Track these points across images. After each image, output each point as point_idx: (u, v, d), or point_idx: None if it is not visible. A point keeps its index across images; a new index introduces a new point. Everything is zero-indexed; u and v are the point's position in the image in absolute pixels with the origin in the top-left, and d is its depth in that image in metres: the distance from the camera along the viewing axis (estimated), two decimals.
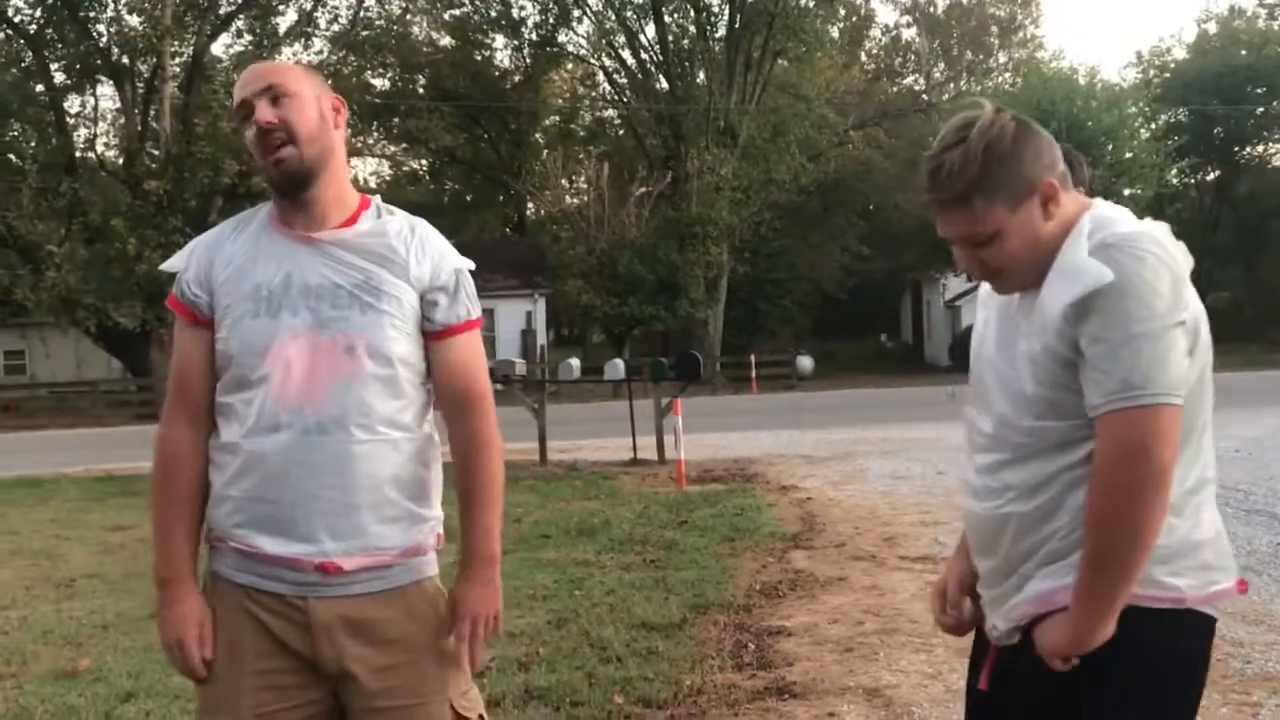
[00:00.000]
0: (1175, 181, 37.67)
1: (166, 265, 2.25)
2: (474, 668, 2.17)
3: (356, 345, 2.09)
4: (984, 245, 1.86)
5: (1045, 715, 1.90)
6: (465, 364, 2.19)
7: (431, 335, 2.17)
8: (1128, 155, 32.34)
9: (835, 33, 39.57)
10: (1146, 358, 1.71)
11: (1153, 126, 36.24)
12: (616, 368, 14.41)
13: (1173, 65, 43.30)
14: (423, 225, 2.22)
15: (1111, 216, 1.84)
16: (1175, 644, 1.82)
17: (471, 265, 2.24)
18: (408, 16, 39.00)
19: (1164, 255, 1.76)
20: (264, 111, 2.08)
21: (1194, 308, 1.79)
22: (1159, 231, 1.82)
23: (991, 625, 1.98)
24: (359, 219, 2.18)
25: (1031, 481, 1.84)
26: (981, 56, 47.39)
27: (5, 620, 6.27)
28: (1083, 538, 1.79)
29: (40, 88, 30.06)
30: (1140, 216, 1.91)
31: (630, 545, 7.73)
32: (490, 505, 2.18)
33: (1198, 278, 1.91)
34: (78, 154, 30.38)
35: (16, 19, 29.23)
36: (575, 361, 14.46)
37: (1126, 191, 30.99)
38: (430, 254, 2.17)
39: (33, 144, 30.09)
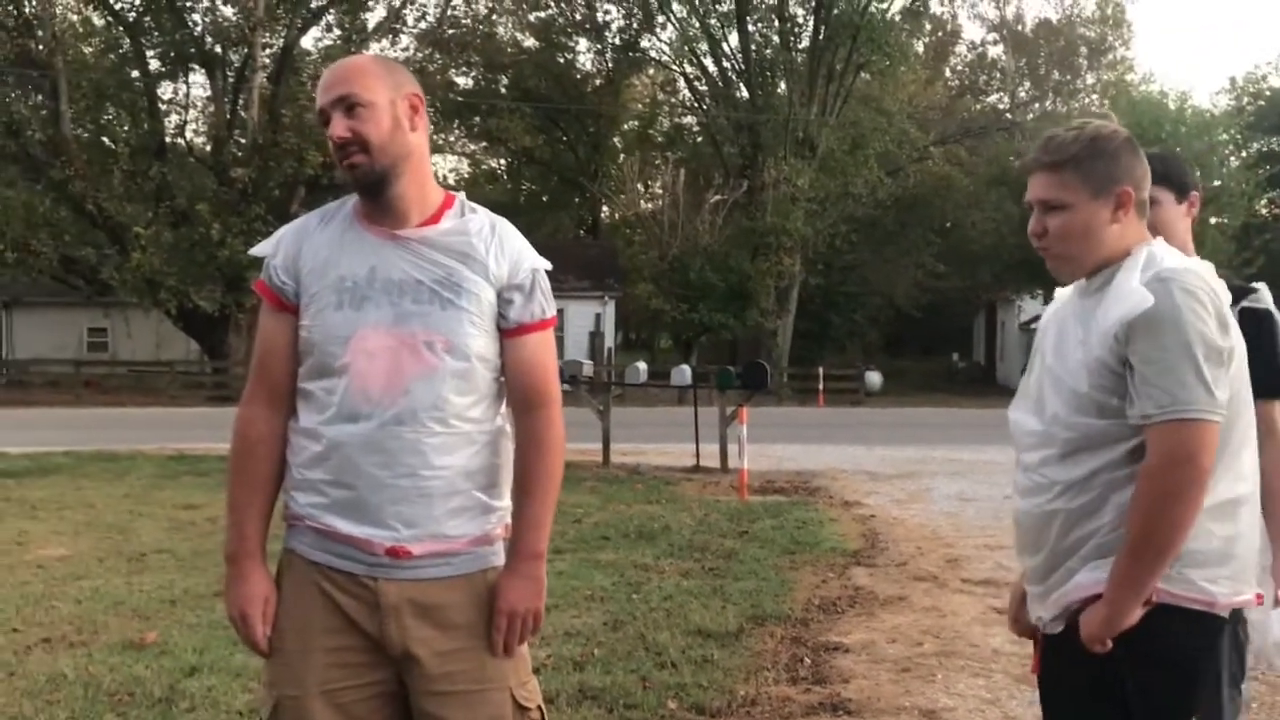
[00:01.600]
0: (1264, 211, 36.70)
1: (256, 250, 2.31)
2: (507, 654, 2.19)
3: (435, 341, 2.14)
4: (1055, 212, 2.15)
5: (1089, 696, 2.11)
6: (536, 362, 2.23)
7: (505, 332, 2.21)
8: (1216, 183, 31.53)
9: (920, 47, 39.24)
10: (1195, 378, 1.95)
11: (1244, 154, 35.32)
12: (683, 373, 14.41)
13: (1268, 92, 42.16)
14: (503, 224, 2.26)
15: (1164, 254, 2.10)
16: (1202, 640, 2.05)
17: (548, 265, 2.28)
18: (493, 17, 39.43)
19: (1209, 290, 2.03)
20: (337, 125, 2.14)
21: (1233, 336, 2.04)
22: (1204, 269, 2.10)
23: (1038, 616, 2.20)
24: (442, 217, 2.22)
25: (1077, 477, 2.06)
26: (1069, 77, 46.50)
27: (79, 590, 6.45)
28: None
29: (135, 74, 30.87)
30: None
31: (689, 552, 7.73)
32: (543, 501, 2.21)
33: None
34: (168, 139, 31.18)
35: (117, 6, 30.05)
36: (642, 365, 14.47)
37: (1213, 220, 30.15)
38: (509, 253, 2.21)
39: (126, 128, 30.90)
